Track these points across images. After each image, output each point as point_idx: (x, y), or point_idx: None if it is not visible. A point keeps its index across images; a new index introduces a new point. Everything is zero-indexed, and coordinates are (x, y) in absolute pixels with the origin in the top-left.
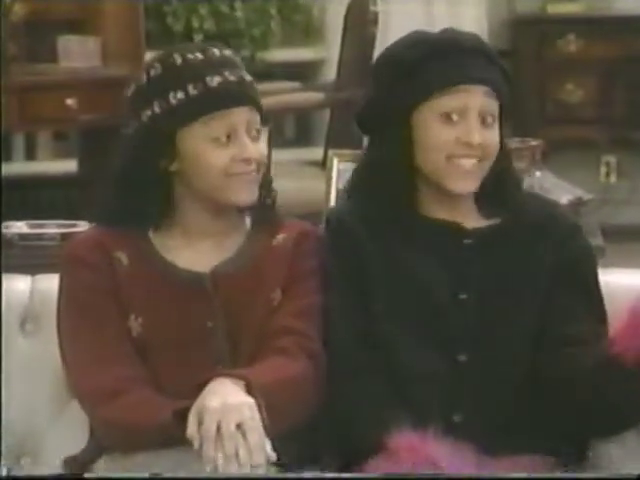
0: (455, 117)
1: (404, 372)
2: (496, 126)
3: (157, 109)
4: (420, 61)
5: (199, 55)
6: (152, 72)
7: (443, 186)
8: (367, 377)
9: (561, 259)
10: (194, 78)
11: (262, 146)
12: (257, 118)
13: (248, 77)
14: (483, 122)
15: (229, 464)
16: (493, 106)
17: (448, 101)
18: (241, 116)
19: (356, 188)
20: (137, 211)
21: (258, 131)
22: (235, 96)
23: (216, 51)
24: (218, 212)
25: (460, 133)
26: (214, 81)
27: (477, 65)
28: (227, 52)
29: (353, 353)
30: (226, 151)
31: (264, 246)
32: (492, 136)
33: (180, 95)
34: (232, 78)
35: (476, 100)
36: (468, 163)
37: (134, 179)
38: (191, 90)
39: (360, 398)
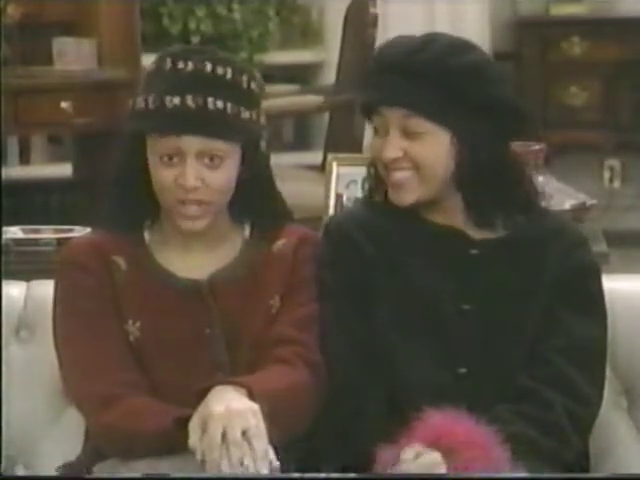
0: (381, 134)
1: (403, 384)
2: (430, 139)
3: (129, 109)
4: (370, 75)
5: (190, 65)
6: (148, 68)
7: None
8: (366, 390)
9: (562, 272)
10: (157, 92)
11: (221, 175)
12: (219, 147)
13: (220, 104)
14: (411, 137)
15: (233, 471)
16: (415, 123)
17: (374, 118)
18: (190, 143)
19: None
20: (128, 210)
21: (220, 158)
22: (184, 124)
23: (209, 65)
24: None
25: (381, 147)
26: (171, 102)
27: (395, 82)
28: (221, 70)
29: (352, 365)
30: (171, 171)
31: (263, 252)
32: (421, 150)
33: (142, 104)
34: (191, 104)
35: (393, 120)
36: (399, 175)
37: (118, 174)
38: (150, 103)
39: (359, 411)
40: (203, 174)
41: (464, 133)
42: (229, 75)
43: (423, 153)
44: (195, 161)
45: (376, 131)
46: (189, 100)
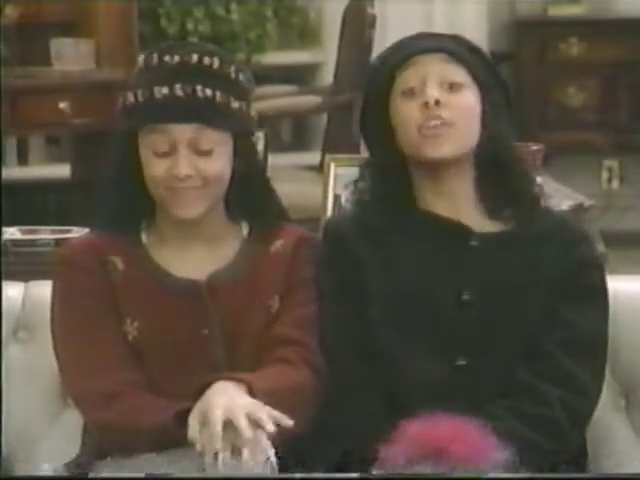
0: (416, 90)
1: (402, 378)
2: (467, 92)
3: (119, 106)
4: (386, 58)
5: (176, 58)
6: (136, 66)
7: (420, 155)
8: (366, 390)
9: (563, 265)
10: (145, 85)
11: (214, 163)
12: (209, 135)
13: (209, 92)
14: (450, 88)
15: (232, 462)
16: (455, 71)
17: (406, 76)
18: (181, 132)
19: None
20: (124, 211)
21: (210, 148)
22: (175, 113)
23: (195, 56)
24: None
25: (421, 99)
26: (160, 93)
27: (430, 40)
28: (208, 60)
29: (351, 366)
30: (164, 163)
31: (262, 253)
32: (460, 100)
33: (131, 99)
34: (180, 93)
35: (433, 67)
36: (436, 123)
37: (113, 175)
38: (139, 97)
39: (358, 410)
40: (196, 162)
41: (487, 97)
42: (216, 65)
43: (461, 104)
44: (187, 150)
45: (410, 93)
46: (178, 89)
